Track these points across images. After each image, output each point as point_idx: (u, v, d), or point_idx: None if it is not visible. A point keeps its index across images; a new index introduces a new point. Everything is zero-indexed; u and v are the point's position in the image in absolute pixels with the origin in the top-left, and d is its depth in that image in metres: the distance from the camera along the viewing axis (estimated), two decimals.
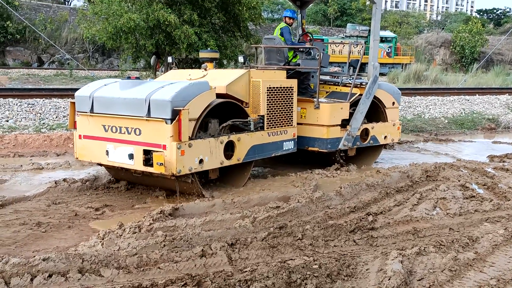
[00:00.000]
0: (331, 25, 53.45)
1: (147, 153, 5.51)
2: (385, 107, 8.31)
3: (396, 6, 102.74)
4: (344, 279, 3.72)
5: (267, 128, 6.62)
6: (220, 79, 6.36)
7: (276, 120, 6.76)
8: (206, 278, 3.71)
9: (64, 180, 6.27)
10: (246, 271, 3.83)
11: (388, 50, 36.76)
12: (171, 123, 5.31)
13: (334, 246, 4.45)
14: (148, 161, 5.49)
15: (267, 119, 6.61)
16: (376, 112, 8.29)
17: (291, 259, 4.10)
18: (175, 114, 5.30)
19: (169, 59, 7.62)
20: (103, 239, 4.42)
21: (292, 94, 6.99)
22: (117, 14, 16.21)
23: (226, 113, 6.24)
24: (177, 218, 5.08)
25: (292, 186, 6.37)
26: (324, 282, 3.61)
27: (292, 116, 7.02)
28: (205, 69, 6.77)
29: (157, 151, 5.40)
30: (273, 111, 6.70)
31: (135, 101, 5.55)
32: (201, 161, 5.65)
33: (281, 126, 6.85)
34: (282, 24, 8.24)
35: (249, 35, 18.54)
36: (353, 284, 3.66)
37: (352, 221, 5.01)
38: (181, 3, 17.08)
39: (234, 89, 6.34)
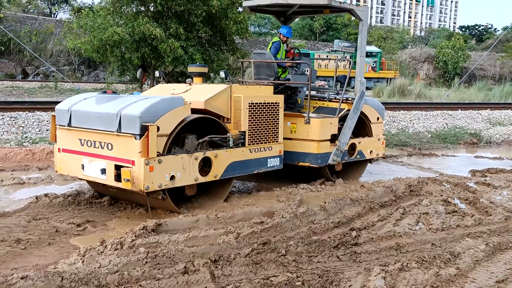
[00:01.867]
0: (317, 40, 54.08)
1: (119, 168, 5.44)
2: (370, 122, 8.40)
3: (381, 22, 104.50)
4: None
5: (248, 145, 6.52)
6: (201, 94, 6.32)
7: (259, 136, 6.67)
8: None
9: (46, 195, 6.18)
10: None
11: (373, 64, 37.26)
12: (139, 139, 5.24)
13: (318, 262, 4.44)
14: (119, 177, 5.43)
15: (249, 135, 6.52)
16: (362, 127, 8.36)
17: (275, 276, 4.08)
18: (144, 129, 5.23)
19: (157, 73, 7.60)
20: (83, 256, 4.35)
21: (277, 110, 6.91)
22: (102, 28, 16.22)
23: (206, 129, 6.21)
24: (160, 234, 5.02)
25: (276, 201, 6.36)
26: None
27: (277, 133, 6.93)
28: (190, 84, 6.75)
29: (126, 167, 5.33)
30: (256, 127, 6.62)
31: (107, 116, 5.52)
32: (172, 177, 5.56)
33: (265, 143, 6.77)
34: (275, 39, 8.27)
35: (236, 49, 18.67)
36: None
37: (336, 237, 5.01)
38: (167, 17, 17.16)
39: (214, 105, 6.28)
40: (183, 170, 5.67)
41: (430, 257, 4.53)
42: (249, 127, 6.51)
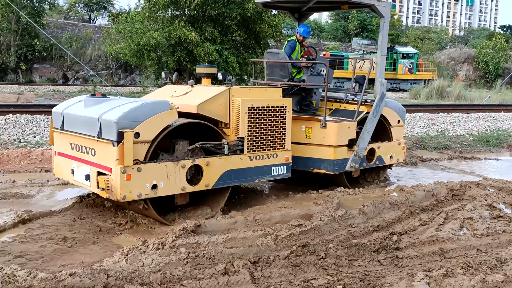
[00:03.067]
0: (351, 41, 53.52)
1: (102, 175, 5.18)
2: (390, 125, 7.96)
3: (418, 22, 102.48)
4: None
5: (248, 152, 6.06)
6: (198, 97, 5.96)
7: (261, 142, 6.20)
8: None
9: (89, 195, 6.36)
10: None
11: (410, 66, 36.60)
12: (117, 146, 4.94)
13: (358, 266, 4.40)
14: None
15: (248, 141, 6.06)
16: (381, 131, 7.91)
17: (314, 279, 4.06)
18: (121, 136, 4.90)
19: (163, 74, 7.32)
20: (127, 255, 4.45)
21: (284, 114, 6.40)
22: (140, 32, 16.59)
23: (202, 135, 5.89)
24: (200, 235, 5.09)
25: (314, 204, 6.32)
26: None
27: (284, 139, 6.43)
28: (192, 86, 6.40)
29: (105, 174, 5.09)
30: (257, 133, 6.14)
31: (90, 120, 5.29)
32: (154, 186, 5.21)
33: (269, 150, 6.29)
34: (292, 38, 7.87)
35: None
36: None
37: (376, 241, 4.95)
38: (203, 21, 17.38)
39: (209, 109, 5.88)
40: (167, 178, 5.31)
41: (476, 263, 4.41)
42: (248, 133, 6.05)
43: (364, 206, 6.05)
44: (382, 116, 7.68)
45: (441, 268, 4.24)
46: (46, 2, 34.69)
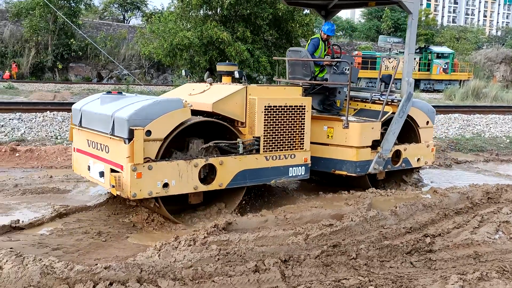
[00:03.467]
0: (378, 39, 52.73)
1: (114, 172, 5.17)
2: (418, 126, 7.69)
3: (454, 21, 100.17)
4: None
5: (264, 151, 5.95)
6: (214, 96, 5.90)
7: (277, 142, 6.06)
8: None
9: None
10: None
11: (445, 66, 35.83)
12: (128, 143, 4.91)
13: (390, 267, 4.35)
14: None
15: (265, 141, 5.93)
16: (408, 132, 7.69)
17: (346, 279, 4.04)
18: (132, 133, 4.90)
19: (183, 72, 7.39)
20: (159, 250, 4.53)
21: (303, 113, 6.23)
22: (172, 32, 16.81)
23: (217, 133, 5.84)
24: (231, 232, 5.13)
25: (345, 205, 6.27)
26: None
27: (302, 139, 6.27)
28: (211, 84, 6.34)
29: (118, 172, 5.08)
30: (274, 132, 6.01)
31: (104, 118, 5.32)
32: (165, 185, 5.17)
33: (286, 150, 6.14)
34: (316, 36, 7.72)
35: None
36: None
37: (408, 242, 4.88)
38: (235, 21, 17.48)
39: (225, 107, 5.79)
40: (179, 177, 5.26)
41: None
42: (264, 133, 5.93)
43: (396, 208, 5.98)
44: (409, 117, 7.46)
45: (476, 272, 4.15)
46: (82, 3, 35.62)
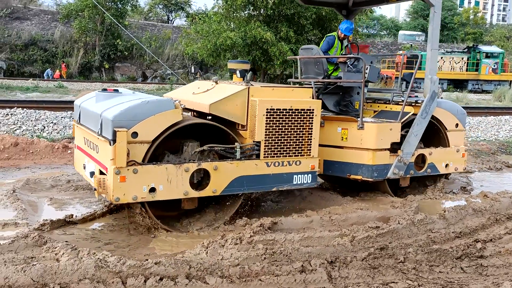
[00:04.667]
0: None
1: (102, 174, 4.97)
2: (446, 129, 7.17)
3: (503, 20, 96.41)
4: None
5: (264, 157, 5.53)
6: (215, 96, 5.57)
7: (280, 148, 5.64)
8: None
9: None
10: None
11: (494, 66, 34.55)
12: (112, 145, 4.67)
13: (440, 272, 4.27)
14: None
15: (266, 146, 5.52)
16: (436, 136, 7.21)
17: (394, 282, 4.00)
18: (116, 135, 4.66)
19: (192, 69, 7.00)
20: (207, 248, 4.62)
21: (311, 118, 5.77)
22: (216, 33, 17.04)
23: (216, 136, 5.54)
24: (276, 232, 5.16)
25: (391, 207, 6.18)
26: None
27: (309, 145, 5.80)
28: (216, 82, 5.98)
29: (104, 174, 4.88)
30: (276, 137, 5.58)
31: (95, 116, 5.14)
32: (152, 189, 4.89)
33: (291, 156, 5.71)
34: (332, 34, 7.39)
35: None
36: None
37: (458, 247, 4.77)
38: (278, 21, 17.52)
39: (224, 109, 5.41)
40: (168, 182, 4.97)
41: None
42: (266, 137, 5.51)
43: (445, 212, 5.84)
44: (436, 119, 7.01)
45: None
46: (129, 4, 36.60)
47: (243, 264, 4.25)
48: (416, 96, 7.27)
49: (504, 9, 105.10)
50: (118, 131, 4.62)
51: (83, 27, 33.51)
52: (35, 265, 3.87)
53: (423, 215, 5.61)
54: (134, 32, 36.98)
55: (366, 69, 6.50)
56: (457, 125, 7.30)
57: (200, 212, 5.62)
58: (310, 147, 5.82)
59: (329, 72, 7.11)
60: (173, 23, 48.63)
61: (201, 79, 6.76)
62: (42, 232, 4.82)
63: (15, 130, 10.35)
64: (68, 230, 5.09)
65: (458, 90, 33.20)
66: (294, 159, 5.74)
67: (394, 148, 6.51)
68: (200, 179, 5.27)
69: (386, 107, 7.19)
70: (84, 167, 5.57)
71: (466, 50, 36.82)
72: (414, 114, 6.72)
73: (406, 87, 6.91)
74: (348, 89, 7.00)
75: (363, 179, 6.39)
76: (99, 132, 4.93)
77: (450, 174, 7.43)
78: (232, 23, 18.07)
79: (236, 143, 5.41)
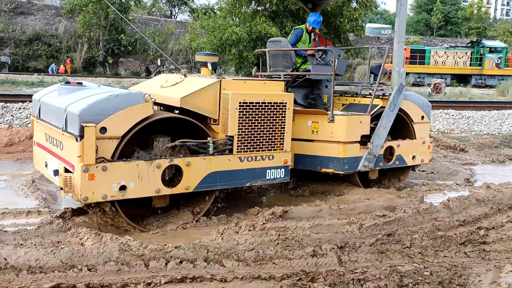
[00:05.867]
0: (434, 35, 51.43)
1: (68, 172, 4.74)
2: (412, 121, 7.23)
3: (507, 14, 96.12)
4: None
5: (238, 152, 5.42)
6: (185, 89, 5.38)
7: (253, 142, 5.53)
8: (319, 275, 3.97)
9: None
10: (357, 272, 4.03)
11: (498, 61, 34.67)
12: (79, 141, 4.46)
13: (444, 256, 4.49)
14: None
15: (239, 140, 5.40)
16: (402, 128, 7.23)
17: (400, 265, 4.22)
18: (83, 130, 4.44)
19: (158, 62, 6.70)
20: (222, 234, 4.84)
21: (284, 111, 5.68)
22: (222, 28, 17.23)
23: (187, 131, 5.38)
24: (287, 220, 5.38)
25: (397, 197, 6.41)
26: None
27: (282, 139, 5.72)
28: (185, 75, 5.78)
29: (70, 172, 4.67)
30: (250, 131, 5.47)
31: (58, 111, 4.87)
32: (123, 187, 4.69)
33: (264, 151, 5.61)
34: (300, 26, 7.36)
35: (350, 45, 18.65)
36: None
37: (462, 234, 4.99)
38: (283, 16, 17.69)
39: (195, 103, 5.25)
40: (139, 179, 4.78)
41: None
42: (239, 131, 5.39)
43: (449, 201, 6.06)
44: (403, 111, 7.05)
45: None
46: None
47: (257, 248, 4.47)
48: (382, 90, 7.28)
49: (508, 4, 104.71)
50: (86, 126, 4.41)
51: (87, 22, 33.68)
52: (63, 248, 4.11)
53: (428, 204, 5.84)
54: (138, 27, 37.14)
55: (333, 61, 6.43)
56: (422, 117, 7.36)
57: (172, 210, 5.45)
58: (283, 141, 5.75)
59: (298, 65, 7.08)
60: (176, 18, 48.75)
61: (167, 72, 6.56)
62: (64, 219, 5.05)
63: (28, 123, 10.58)
64: (88, 217, 5.30)
65: (461, 84, 33.32)
66: (267, 153, 5.66)
67: (363, 141, 6.54)
68: (172, 176, 5.10)
69: (354, 100, 7.20)
70: (46, 165, 5.29)
71: (469, 44, 36.92)
72: (383, 107, 6.75)
73: (374, 80, 6.90)
74: (317, 82, 7.02)
75: (334, 172, 6.39)
76: (64, 128, 4.69)
77: (417, 166, 7.52)
78: (237, 18, 18.23)
79: (208, 138, 5.26)
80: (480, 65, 34.94)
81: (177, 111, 5.50)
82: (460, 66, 34.83)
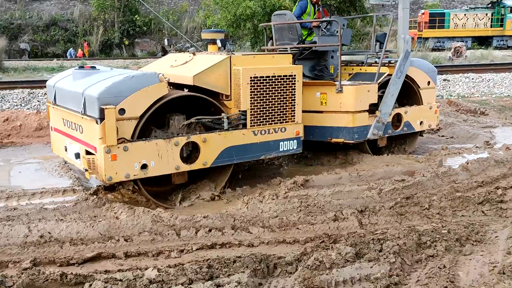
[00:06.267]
0: None
1: (89, 154, 4.89)
2: (419, 87, 7.29)
3: None
4: (473, 244, 3.95)
5: (251, 126, 5.56)
6: (196, 67, 5.48)
7: (266, 116, 5.68)
8: (341, 238, 4.18)
9: None
10: (377, 233, 4.23)
11: None
12: (100, 123, 4.60)
13: (462, 216, 4.65)
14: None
15: (251, 115, 5.54)
16: (409, 95, 7.33)
17: (419, 225, 4.40)
18: (103, 113, 4.55)
19: (165, 42, 6.84)
20: (247, 203, 5.09)
21: (293, 83, 5.80)
22: (236, 3, 17.21)
23: (202, 108, 5.50)
24: (308, 188, 5.60)
25: (416, 162, 6.54)
26: (453, 245, 3.88)
27: (293, 111, 5.87)
28: (194, 54, 5.92)
29: (91, 154, 4.82)
30: (262, 105, 5.62)
31: (76, 95, 4.99)
32: (144, 166, 4.86)
33: (276, 123, 5.76)
34: None
35: (365, 13, 18.44)
36: (482, 249, 3.88)
37: (480, 194, 5.12)
38: None
39: (207, 80, 5.39)
40: (159, 157, 4.95)
41: None
42: (251, 106, 5.52)
43: (467, 164, 6.16)
44: (409, 77, 7.09)
45: None
46: None
47: (281, 215, 4.70)
48: (387, 57, 7.28)
49: None
50: (106, 108, 4.53)
51: (101, 4, 33.89)
52: (101, 221, 4.41)
53: (447, 168, 5.96)
54: (151, 7, 37.15)
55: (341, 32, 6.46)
56: (429, 82, 7.41)
57: (189, 185, 5.60)
58: (294, 113, 5.89)
59: (303, 37, 7.12)
60: None
61: (174, 51, 6.70)
62: (98, 196, 5.35)
63: None
64: (118, 194, 5.59)
65: (482, 47, 32.60)
66: (280, 126, 5.80)
67: (371, 109, 6.64)
68: (189, 153, 5.27)
69: (360, 69, 7.24)
70: (66, 149, 5.45)
71: (490, 5, 35.87)
72: (389, 75, 6.81)
73: (380, 48, 6.91)
74: (323, 54, 7.05)
75: (344, 141, 6.52)
76: (83, 112, 4.84)
77: (424, 131, 7.62)
78: None
79: (223, 114, 5.40)
80: (501, 26, 34.01)
81: (186, 90, 5.61)
82: (480, 28, 33.98)
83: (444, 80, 14.69)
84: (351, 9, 18.00)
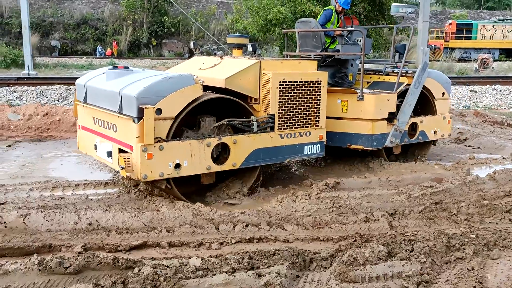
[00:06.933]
0: (482, 8, 49.51)
1: (123, 153, 4.99)
2: (434, 98, 7.51)
3: None
4: (500, 249, 4.11)
5: (278, 129, 5.72)
6: (226, 71, 5.61)
7: (293, 120, 5.83)
8: (373, 238, 4.38)
9: None
10: (407, 235, 4.42)
11: None
12: (137, 122, 4.70)
13: (490, 222, 4.80)
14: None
15: (279, 118, 5.70)
16: (424, 105, 7.53)
17: (448, 230, 4.57)
18: (142, 112, 4.65)
19: (191, 45, 7.05)
20: (281, 202, 5.33)
21: (319, 89, 5.96)
22: (267, 8, 17.50)
23: (231, 110, 5.64)
24: (339, 190, 5.81)
25: (444, 170, 6.69)
26: (481, 249, 4.05)
27: (318, 116, 6.02)
28: (221, 57, 6.07)
29: (127, 152, 4.91)
30: (289, 109, 5.76)
31: (111, 94, 5.06)
32: (177, 165, 4.97)
33: (302, 127, 5.92)
34: (329, 7, 7.49)
35: (394, 23, 18.54)
36: (509, 254, 4.04)
37: (507, 203, 5.26)
38: None
39: (238, 83, 5.51)
40: (191, 157, 5.06)
41: None
42: (279, 110, 5.67)
43: (495, 173, 6.29)
44: (425, 88, 7.31)
45: None
46: None
47: (314, 215, 4.93)
48: (405, 67, 7.43)
49: None
50: (146, 108, 4.63)
51: (131, 4, 34.62)
52: (145, 212, 4.71)
53: (475, 176, 6.10)
54: (180, 8, 37.80)
55: (362, 41, 6.60)
56: (443, 93, 7.66)
57: (216, 186, 5.71)
58: (319, 118, 6.05)
59: (326, 45, 7.31)
60: None
61: (199, 54, 6.89)
62: (140, 189, 5.64)
63: None
64: (156, 188, 5.87)
65: (510, 59, 32.24)
66: (305, 130, 5.96)
67: (390, 118, 6.85)
68: (218, 154, 5.39)
69: (378, 78, 7.45)
70: (95, 148, 5.53)
71: None
72: (408, 85, 7.03)
73: (400, 58, 7.16)
74: (344, 62, 7.27)
75: (364, 148, 6.73)
76: (119, 111, 4.93)
77: (437, 140, 7.86)
78: None
79: (252, 117, 5.54)
80: None
81: (213, 92, 5.66)
82: (509, 40, 33.62)
83: (471, 91, 14.69)
84: (380, 17, 18.11)
